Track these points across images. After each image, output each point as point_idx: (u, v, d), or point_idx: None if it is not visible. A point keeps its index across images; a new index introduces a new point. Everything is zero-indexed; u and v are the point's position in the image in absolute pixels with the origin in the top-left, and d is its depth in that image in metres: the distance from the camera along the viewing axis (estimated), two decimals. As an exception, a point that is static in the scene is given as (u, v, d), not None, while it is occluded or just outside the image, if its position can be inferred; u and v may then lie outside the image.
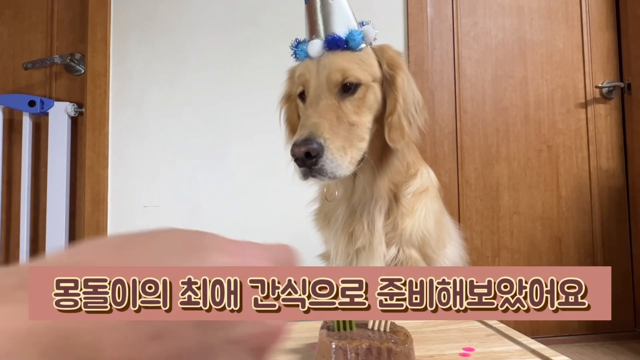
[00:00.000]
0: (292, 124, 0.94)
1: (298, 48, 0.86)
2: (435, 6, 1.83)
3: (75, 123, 1.76)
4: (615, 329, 1.79)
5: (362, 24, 0.85)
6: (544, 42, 1.86)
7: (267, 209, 1.66)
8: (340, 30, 0.82)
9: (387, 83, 0.85)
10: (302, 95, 0.85)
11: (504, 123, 1.83)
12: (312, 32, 0.84)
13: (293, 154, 0.74)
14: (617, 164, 1.86)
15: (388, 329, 0.50)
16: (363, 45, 0.83)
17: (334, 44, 0.81)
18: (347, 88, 0.81)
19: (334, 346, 0.46)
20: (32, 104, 1.65)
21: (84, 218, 1.64)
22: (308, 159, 0.73)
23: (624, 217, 1.85)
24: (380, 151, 0.85)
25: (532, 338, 0.60)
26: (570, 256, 1.82)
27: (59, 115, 1.68)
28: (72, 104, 1.70)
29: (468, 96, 1.82)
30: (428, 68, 1.77)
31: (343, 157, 0.76)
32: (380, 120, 0.84)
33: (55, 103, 1.69)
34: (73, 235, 1.71)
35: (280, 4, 1.73)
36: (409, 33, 1.77)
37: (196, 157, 1.69)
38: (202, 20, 1.73)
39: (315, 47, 0.82)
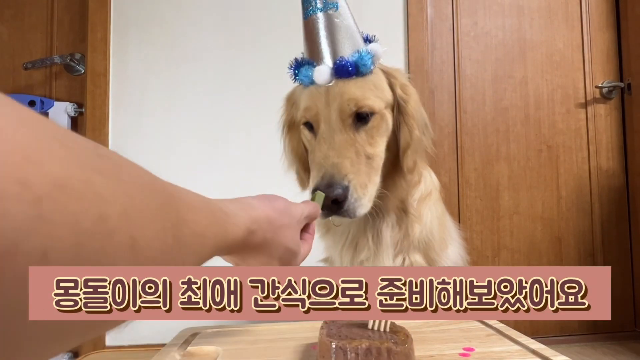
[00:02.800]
0: (299, 155, 0.88)
1: (300, 73, 0.77)
2: (435, 6, 1.83)
3: (75, 123, 1.76)
4: (615, 329, 1.79)
5: (366, 38, 0.79)
6: (544, 42, 1.86)
7: (267, 209, 1.66)
8: (347, 51, 0.74)
9: (400, 111, 0.81)
10: (308, 124, 0.80)
11: (504, 123, 1.83)
12: (315, 53, 0.75)
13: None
14: (617, 163, 1.86)
15: (388, 329, 0.50)
16: (373, 67, 0.77)
17: (345, 71, 0.74)
18: (360, 117, 0.76)
19: (334, 346, 0.46)
20: (32, 104, 1.65)
21: (84, 218, 1.64)
22: (334, 205, 0.70)
23: (624, 217, 1.85)
24: (387, 174, 0.82)
25: (532, 338, 0.60)
26: (570, 256, 1.82)
27: (59, 115, 1.68)
28: (72, 104, 1.70)
29: (468, 96, 1.82)
30: (428, 68, 1.77)
31: (365, 194, 0.73)
32: (391, 149, 0.81)
33: (55, 103, 1.69)
34: (73, 235, 1.71)
35: (280, 4, 1.73)
36: (409, 33, 1.77)
37: (196, 157, 1.69)
38: (202, 20, 1.73)
39: (323, 75, 0.74)
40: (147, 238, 0.22)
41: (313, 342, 0.60)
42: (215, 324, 1.76)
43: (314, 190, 0.70)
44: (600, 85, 1.85)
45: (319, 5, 0.74)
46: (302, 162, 0.89)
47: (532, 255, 1.80)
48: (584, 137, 1.86)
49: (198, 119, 1.71)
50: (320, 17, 0.74)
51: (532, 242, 1.81)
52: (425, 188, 0.90)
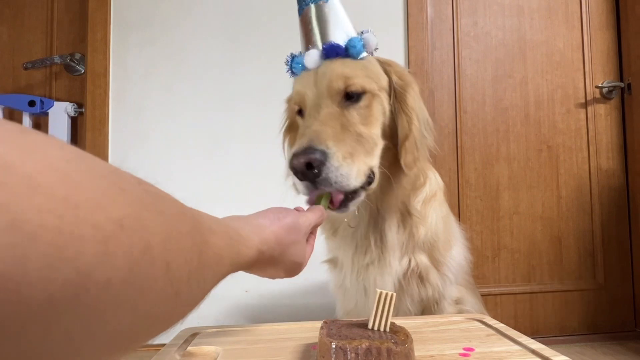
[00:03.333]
0: None
1: (294, 62, 0.79)
2: (435, 6, 1.83)
3: (75, 123, 1.76)
4: (615, 329, 1.79)
5: (361, 32, 0.79)
6: (544, 42, 1.86)
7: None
8: (339, 38, 0.75)
9: (397, 99, 0.79)
10: (300, 113, 0.79)
11: (504, 123, 1.83)
12: (308, 43, 0.77)
13: (292, 167, 0.66)
14: (617, 164, 1.86)
15: (388, 329, 0.50)
16: (365, 54, 0.77)
17: (333, 51, 0.75)
18: (350, 97, 0.74)
19: (333, 346, 0.45)
20: (32, 104, 1.65)
21: (84, 218, 1.64)
22: (309, 171, 0.65)
23: (624, 217, 1.84)
24: (388, 170, 0.78)
25: (532, 338, 0.60)
26: (570, 256, 1.82)
27: (59, 115, 1.68)
28: (72, 104, 1.70)
29: (468, 96, 1.82)
30: (428, 68, 1.77)
31: (351, 165, 0.67)
32: (387, 136, 0.79)
33: (55, 103, 1.69)
34: (73, 235, 1.71)
35: (280, 4, 1.73)
36: (409, 33, 1.77)
37: (196, 158, 1.69)
38: (202, 21, 1.73)
39: (312, 57, 0.75)
40: (178, 262, 0.26)
41: (313, 342, 0.60)
42: (215, 324, 1.76)
43: (291, 157, 0.66)
44: (600, 85, 1.85)
45: None
46: None
47: (532, 255, 1.80)
48: (584, 137, 1.86)
49: (198, 119, 1.71)
50: (312, 9, 0.76)
51: (532, 242, 1.81)
52: (430, 189, 0.89)
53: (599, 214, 1.83)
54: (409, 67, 1.76)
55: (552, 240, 1.82)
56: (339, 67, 0.74)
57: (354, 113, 0.74)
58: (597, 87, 1.86)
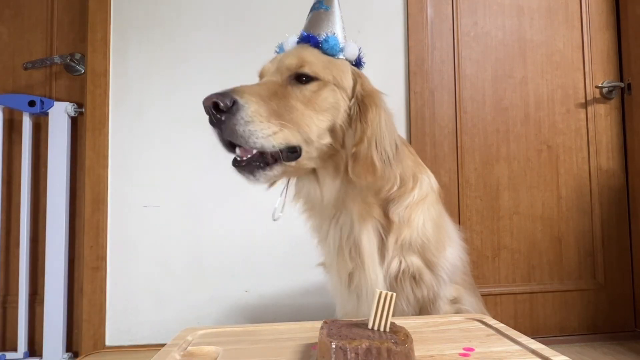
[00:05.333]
0: None
1: (280, 49, 0.86)
2: (435, 6, 1.83)
3: (75, 123, 1.75)
4: (615, 329, 1.79)
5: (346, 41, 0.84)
6: (544, 42, 1.86)
7: (267, 210, 1.66)
8: (322, 34, 0.80)
9: (360, 109, 0.78)
10: None
11: (504, 123, 1.83)
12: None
13: (203, 105, 0.67)
14: (617, 164, 1.86)
15: (388, 329, 0.50)
16: (341, 56, 0.80)
17: (306, 39, 0.79)
18: (301, 79, 0.75)
19: (333, 346, 0.45)
20: (32, 104, 1.65)
21: (84, 218, 1.64)
22: (215, 114, 0.66)
23: (624, 217, 1.84)
24: (345, 173, 0.79)
25: (532, 338, 0.60)
26: (570, 256, 1.82)
27: (59, 115, 1.68)
28: (72, 104, 1.70)
29: (468, 96, 1.82)
30: (428, 68, 1.77)
31: (267, 126, 0.67)
32: (341, 140, 0.78)
33: (55, 103, 1.69)
34: (73, 235, 1.71)
35: (280, 4, 1.73)
36: (409, 33, 1.77)
37: (196, 157, 1.69)
38: (202, 21, 1.73)
39: (289, 42, 0.81)
40: None
41: (313, 342, 0.60)
42: (215, 324, 1.76)
43: (204, 104, 0.66)
44: (600, 85, 1.85)
45: (316, 5, 0.82)
46: None
47: (532, 255, 1.80)
48: (584, 137, 1.86)
49: (198, 118, 1.70)
50: (311, 15, 0.82)
51: (532, 242, 1.81)
52: (420, 193, 0.88)
53: (599, 214, 1.83)
54: (409, 67, 1.76)
55: (552, 240, 1.82)
56: (301, 50, 0.77)
57: (298, 92, 0.74)
58: (597, 87, 1.86)
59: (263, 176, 0.72)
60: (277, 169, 0.73)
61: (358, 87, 0.80)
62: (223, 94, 0.66)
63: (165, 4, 1.73)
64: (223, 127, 0.67)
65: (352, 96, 0.79)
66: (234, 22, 1.74)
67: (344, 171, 0.79)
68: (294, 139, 0.71)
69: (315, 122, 0.74)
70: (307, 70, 0.75)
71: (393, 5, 1.78)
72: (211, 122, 0.68)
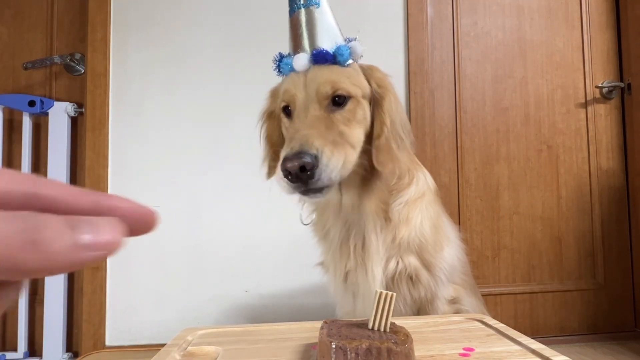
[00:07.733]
0: (273, 142, 0.92)
1: (282, 62, 0.84)
2: (435, 6, 1.83)
3: (75, 123, 1.76)
4: (615, 329, 1.79)
5: (348, 40, 0.83)
6: (544, 42, 1.86)
7: (267, 210, 1.66)
8: (327, 45, 0.80)
9: (375, 103, 0.83)
10: (287, 110, 0.83)
11: (504, 123, 1.83)
12: (297, 46, 0.81)
13: (285, 169, 0.70)
14: (617, 164, 1.86)
15: (388, 329, 0.50)
16: (350, 61, 0.82)
17: (321, 57, 0.79)
18: (337, 102, 0.79)
19: (334, 346, 0.45)
20: (32, 104, 1.65)
21: (84, 218, 1.64)
22: (303, 173, 0.70)
23: (624, 217, 1.84)
24: (366, 173, 0.83)
25: (532, 338, 0.60)
26: (570, 256, 1.82)
27: (59, 115, 1.68)
28: (72, 104, 1.70)
29: (468, 96, 1.82)
30: (428, 68, 1.77)
31: (337, 158, 0.73)
32: (368, 139, 0.82)
33: (55, 103, 1.69)
34: (73, 235, 1.71)
35: (280, 4, 1.73)
36: (409, 33, 1.77)
37: (196, 157, 1.69)
38: (202, 21, 1.73)
39: (301, 60, 0.80)
40: None
41: (313, 342, 0.60)
42: (215, 324, 1.76)
43: (284, 160, 0.70)
44: (600, 85, 1.85)
45: (302, 1, 0.81)
46: (273, 150, 0.91)
47: (532, 255, 1.80)
48: (584, 137, 1.86)
49: (198, 118, 1.71)
50: (303, 13, 0.80)
51: (532, 242, 1.81)
52: (417, 190, 0.89)
53: (599, 214, 1.83)
54: (409, 67, 1.76)
55: (552, 240, 1.82)
56: (328, 73, 0.79)
57: (339, 117, 0.78)
58: (597, 87, 1.86)
59: (328, 192, 0.76)
60: (336, 184, 0.77)
61: (374, 85, 0.84)
62: (302, 154, 0.69)
63: (165, 4, 1.73)
64: (311, 181, 0.71)
65: (370, 94, 0.84)
66: (234, 23, 1.74)
67: (363, 169, 0.83)
68: (350, 159, 0.77)
69: (356, 135, 0.80)
70: (340, 92, 0.78)
71: (393, 5, 1.78)
72: (295, 180, 0.71)
